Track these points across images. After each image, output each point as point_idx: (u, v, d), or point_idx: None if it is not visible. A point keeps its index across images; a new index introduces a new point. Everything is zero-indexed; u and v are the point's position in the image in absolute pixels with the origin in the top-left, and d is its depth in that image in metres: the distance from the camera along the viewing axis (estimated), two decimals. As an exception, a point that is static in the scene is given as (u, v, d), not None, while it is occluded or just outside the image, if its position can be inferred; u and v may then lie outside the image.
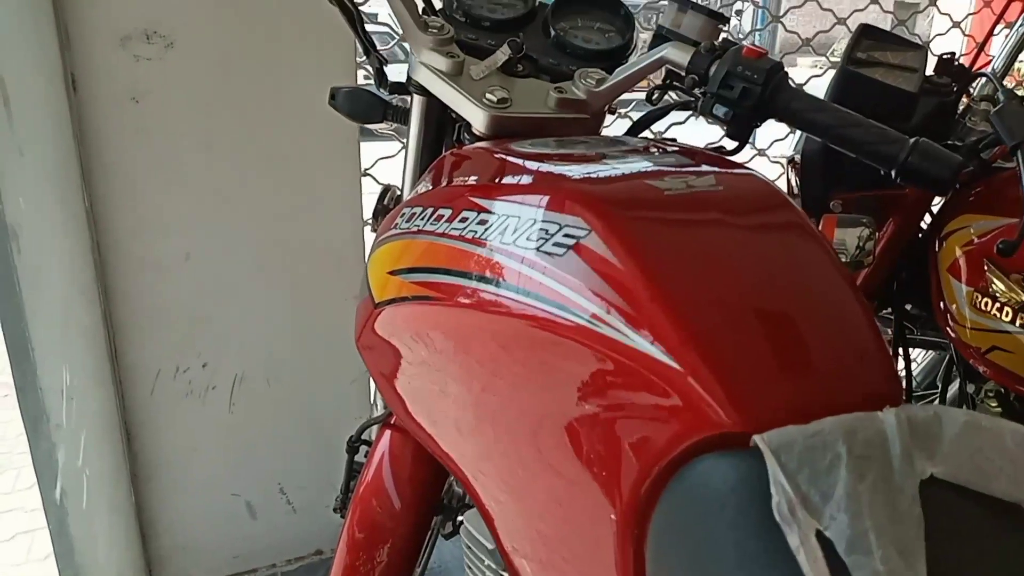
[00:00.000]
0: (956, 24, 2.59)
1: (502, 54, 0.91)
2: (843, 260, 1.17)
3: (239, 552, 1.81)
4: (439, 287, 0.70)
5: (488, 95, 0.89)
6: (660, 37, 0.94)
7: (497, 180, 0.72)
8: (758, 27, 2.49)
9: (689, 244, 0.59)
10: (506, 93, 0.89)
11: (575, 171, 0.68)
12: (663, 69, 0.90)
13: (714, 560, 0.45)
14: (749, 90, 0.78)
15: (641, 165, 0.71)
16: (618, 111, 1.61)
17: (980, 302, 1.18)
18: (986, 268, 1.16)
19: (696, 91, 0.84)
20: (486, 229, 0.67)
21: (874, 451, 0.44)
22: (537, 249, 0.61)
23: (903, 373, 1.51)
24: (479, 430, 0.70)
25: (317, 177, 1.59)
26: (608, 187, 0.66)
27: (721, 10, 1.02)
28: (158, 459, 1.66)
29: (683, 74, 0.84)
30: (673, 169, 0.68)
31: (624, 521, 0.54)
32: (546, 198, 0.64)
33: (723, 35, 0.92)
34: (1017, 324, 1.14)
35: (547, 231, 0.61)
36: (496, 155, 0.76)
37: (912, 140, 0.75)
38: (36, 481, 1.58)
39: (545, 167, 0.70)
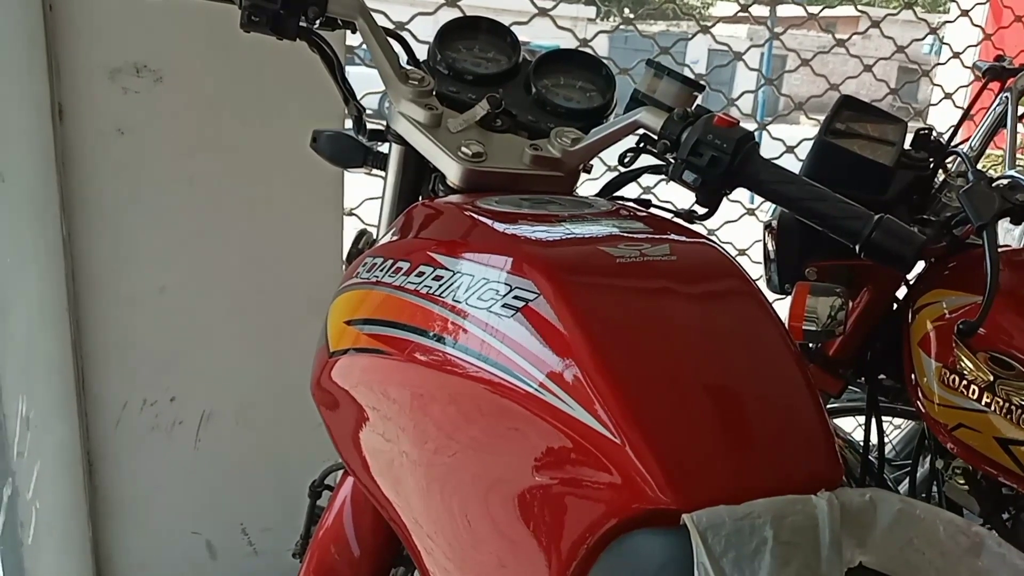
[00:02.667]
0: (948, 95, 2.64)
1: (481, 108, 0.92)
2: (814, 329, 1.17)
3: (197, 593, 1.77)
4: (393, 341, 0.70)
5: (463, 148, 0.89)
6: (636, 100, 0.95)
7: (456, 236, 0.72)
8: (751, 89, 2.51)
9: (635, 313, 0.59)
10: (481, 147, 0.90)
11: (532, 233, 0.68)
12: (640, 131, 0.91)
13: None
14: (718, 159, 0.79)
15: (600, 229, 0.71)
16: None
17: (948, 378, 1.17)
18: (954, 345, 1.16)
19: (667, 156, 0.85)
20: (440, 285, 0.66)
21: (802, 538, 0.44)
22: (487, 309, 0.61)
23: (876, 443, 1.50)
24: (428, 489, 0.69)
25: (298, 218, 1.59)
26: (560, 251, 0.66)
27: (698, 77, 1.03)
28: (119, 493, 1.63)
29: (656, 138, 0.85)
30: (630, 235, 0.68)
31: None
32: (500, 258, 0.64)
33: (697, 102, 0.93)
34: (983, 403, 1.14)
35: (498, 291, 0.61)
36: (459, 211, 0.76)
37: (877, 217, 0.75)
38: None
39: (505, 227, 0.70)
